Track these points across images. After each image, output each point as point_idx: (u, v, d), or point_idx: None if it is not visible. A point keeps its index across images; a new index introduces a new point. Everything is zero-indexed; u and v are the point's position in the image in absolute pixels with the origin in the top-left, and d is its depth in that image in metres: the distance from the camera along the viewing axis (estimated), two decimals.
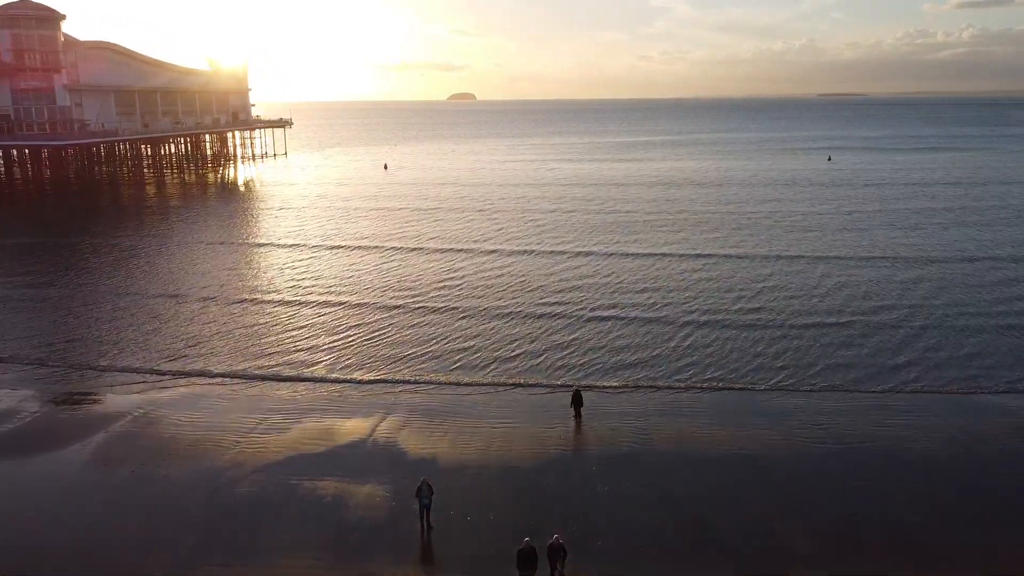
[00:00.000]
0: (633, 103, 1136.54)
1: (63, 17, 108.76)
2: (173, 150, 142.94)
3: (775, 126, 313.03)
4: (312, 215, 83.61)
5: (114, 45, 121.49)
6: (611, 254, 61.00)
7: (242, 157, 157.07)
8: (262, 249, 66.07)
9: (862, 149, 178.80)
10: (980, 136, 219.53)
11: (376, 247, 65.29)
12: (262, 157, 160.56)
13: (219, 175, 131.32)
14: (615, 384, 35.21)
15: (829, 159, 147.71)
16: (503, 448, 29.36)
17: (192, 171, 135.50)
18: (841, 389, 34.43)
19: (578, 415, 31.71)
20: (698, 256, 59.62)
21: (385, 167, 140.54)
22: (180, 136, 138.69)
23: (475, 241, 67.38)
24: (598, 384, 35.12)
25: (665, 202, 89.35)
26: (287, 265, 59.41)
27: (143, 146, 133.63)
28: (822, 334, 40.87)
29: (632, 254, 60.85)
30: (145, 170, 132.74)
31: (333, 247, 65.81)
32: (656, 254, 60.61)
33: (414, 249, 64.15)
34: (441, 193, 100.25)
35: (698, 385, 34.85)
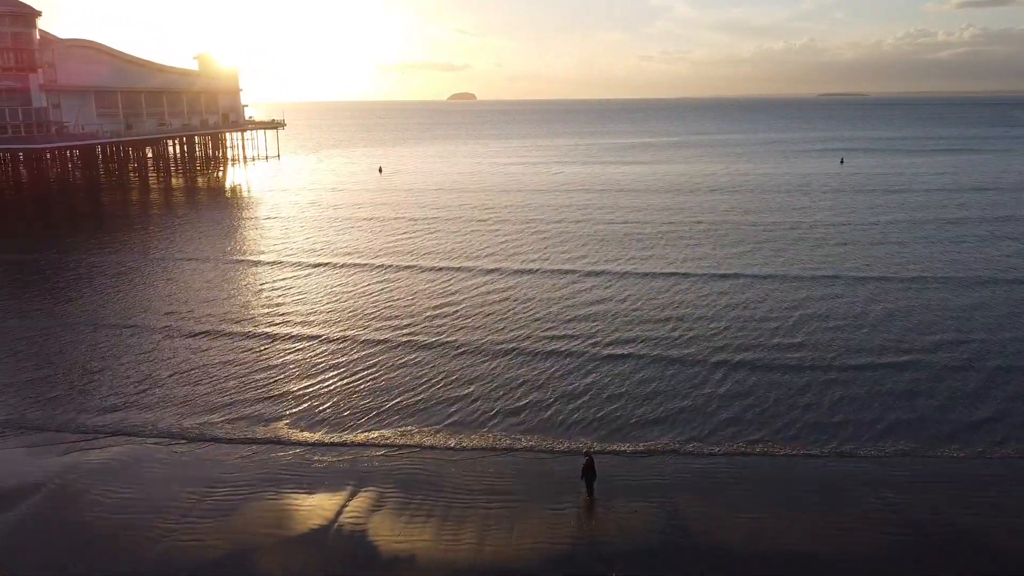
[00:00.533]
0: (635, 103, 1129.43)
1: (38, 14, 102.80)
2: (159, 153, 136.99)
3: (781, 126, 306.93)
4: (299, 226, 77.52)
5: (95, 43, 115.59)
6: (626, 273, 54.75)
7: (232, 160, 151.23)
8: (240, 267, 59.94)
9: (874, 151, 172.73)
10: (993, 137, 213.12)
11: (365, 264, 59.16)
12: (253, 160, 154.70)
13: (207, 179, 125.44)
14: (636, 448, 29.10)
15: (842, 161, 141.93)
16: (500, 541, 23.33)
17: (179, 175, 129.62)
18: (912, 455, 28.34)
19: (591, 490, 25.70)
20: (723, 276, 53.33)
21: (380, 170, 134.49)
22: (166, 138, 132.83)
23: (474, 257, 61.26)
24: (616, 448, 29.01)
25: (680, 211, 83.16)
26: (265, 286, 53.33)
27: (127, 149, 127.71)
28: (880, 378, 34.68)
29: (649, 273, 54.58)
30: (130, 174, 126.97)
31: (317, 264, 59.69)
32: (676, 273, 54.35)
33: (407, 267, 58.02)
34: (438, 200, 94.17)
35: (739, 451, 28.73)
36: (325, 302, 48.84)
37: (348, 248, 65.57)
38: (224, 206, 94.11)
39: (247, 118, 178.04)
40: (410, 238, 69.57)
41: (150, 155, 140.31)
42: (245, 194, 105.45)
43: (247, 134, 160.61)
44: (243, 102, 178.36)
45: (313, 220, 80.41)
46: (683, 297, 48.32)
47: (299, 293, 51.19)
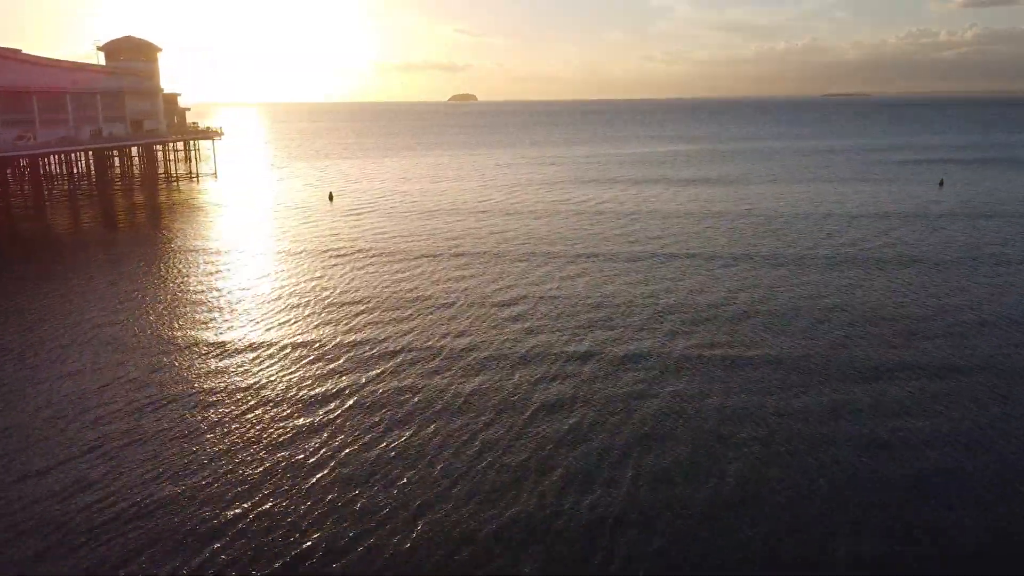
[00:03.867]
0: (641, 104, 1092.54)
1: None
2: (28, 175, 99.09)
3: (821, 131, 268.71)
4: (152, 345, 39.61)
5: None
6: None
7: (144, 182, 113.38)
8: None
9: (961, 162, 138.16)
10: None
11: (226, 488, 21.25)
12: (177, 181, 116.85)
13: (93, 215, 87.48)
14: None
15: (941, 184, 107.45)
16: None
17: (53, 208, 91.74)
18: None
19: None
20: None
21: (330, 198, 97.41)
22: (32, 155, 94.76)
23: (449, 449, 23.64)
24: None
25: (805, 320, 44.99)
26: None
27: None
28: None
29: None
30: None
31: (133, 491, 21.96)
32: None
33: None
34: (399, 268, 56.33)
35: None
36: None
37: (214, 421, 27.60)
38: (80, 281, 55.62)
39: (190, 124, 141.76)
40: (328, 428, 31.45)
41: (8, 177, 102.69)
42: (129, 251, 66.95)
43: (174, 145, 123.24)
44: (184, 104, 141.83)
45: (167, 343, 42.22)
46: None
47: None
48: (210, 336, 41.34)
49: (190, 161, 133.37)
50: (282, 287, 51.58)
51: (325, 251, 63.71)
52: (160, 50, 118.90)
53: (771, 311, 44.87)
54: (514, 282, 52.23)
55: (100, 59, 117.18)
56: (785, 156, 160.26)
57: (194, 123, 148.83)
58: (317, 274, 55.34)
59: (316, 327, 42.43)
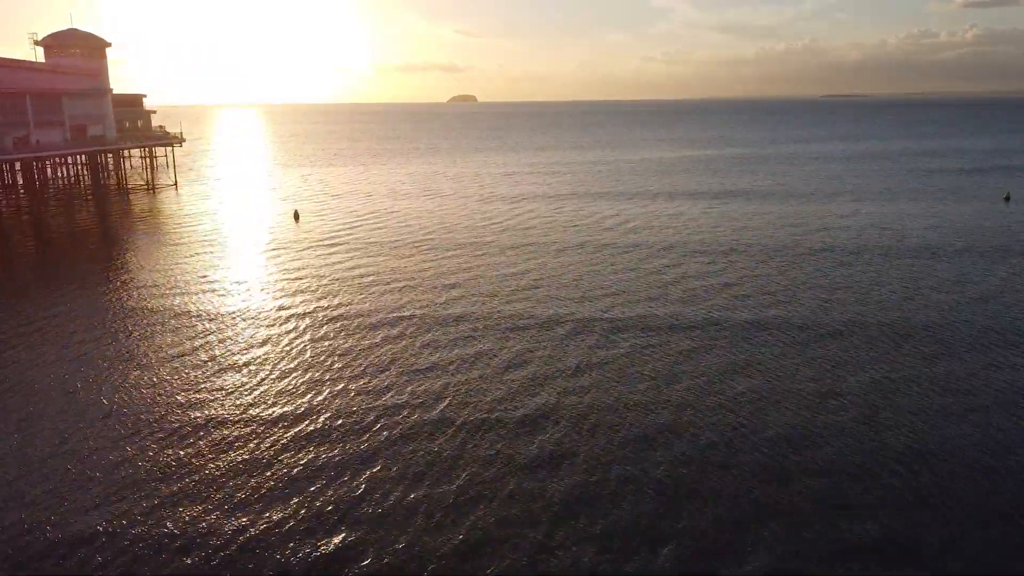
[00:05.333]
0: (643, 105, 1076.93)
1: None
2: None
3: (840, 133, 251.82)
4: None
5: None
6: None
7: (87, 194, 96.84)
8: None
9: (1012, 171, 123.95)
10: None
11: None
12: (129, 194, 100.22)
13: (12, 243, 70.98)
14: None
15: (1007, 199, 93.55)
16: None
17: None
18: None
19: None
20: None
21: (296, 218, 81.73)
22: None
23: None
24: None
25: (992, 460, 28.95)
26: None
27: None
28: None
29: None
30: None
31: None
32: None
33: None
34: (368, 344, 39.89)
35: None
36: None
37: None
38: None
39: (156, 128, 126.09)
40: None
41: None
42: (43, 295, 50.59)
43: (129, 153, 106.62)
44: (150, 107, 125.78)
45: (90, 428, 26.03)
46: None
47: None
48: (68, 466, 24.81)
49: (153, 169, 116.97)
50: (194, 383, 35.00)
51: (270, 310, 46.89)
52: (109, 45, 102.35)
53: (938, 443, 28.41)
54: (532, 375, 35.56)
55: (39, 55, 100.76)
56: (820, 163, 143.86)
57: (160, 126, 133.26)
58: (248, 355, 38.69)
59: (220, 477, 25.84)
